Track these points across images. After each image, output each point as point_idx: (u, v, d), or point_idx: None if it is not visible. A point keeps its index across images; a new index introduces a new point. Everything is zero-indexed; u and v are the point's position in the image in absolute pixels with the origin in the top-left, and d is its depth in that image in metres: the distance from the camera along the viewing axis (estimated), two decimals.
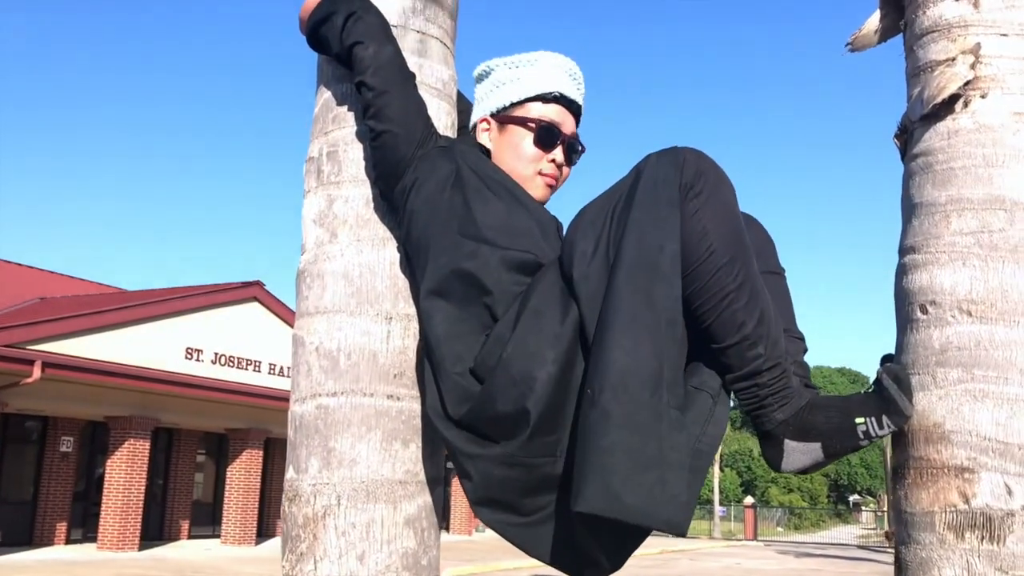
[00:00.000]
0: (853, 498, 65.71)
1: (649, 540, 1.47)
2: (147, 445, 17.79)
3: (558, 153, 1.87)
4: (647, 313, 1.45)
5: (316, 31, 1.92)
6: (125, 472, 17.29)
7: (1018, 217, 1.61)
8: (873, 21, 1.90)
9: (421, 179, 1.77)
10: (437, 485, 1.89)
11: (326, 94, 2.02)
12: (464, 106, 2.13)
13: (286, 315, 20.38)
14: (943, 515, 1.58)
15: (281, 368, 20.07)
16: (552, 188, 1.90)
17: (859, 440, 1.57)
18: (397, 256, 1.88)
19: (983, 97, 1.66)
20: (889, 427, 1.59)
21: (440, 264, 1.71)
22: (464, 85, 2.16)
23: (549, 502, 1.60)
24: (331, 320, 1.87)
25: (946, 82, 1.65)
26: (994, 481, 1.54)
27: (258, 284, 19.81)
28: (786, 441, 1.59)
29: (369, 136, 1.83)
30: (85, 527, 18.72)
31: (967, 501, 1.56)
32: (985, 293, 1.60)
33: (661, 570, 19.17)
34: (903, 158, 1.80)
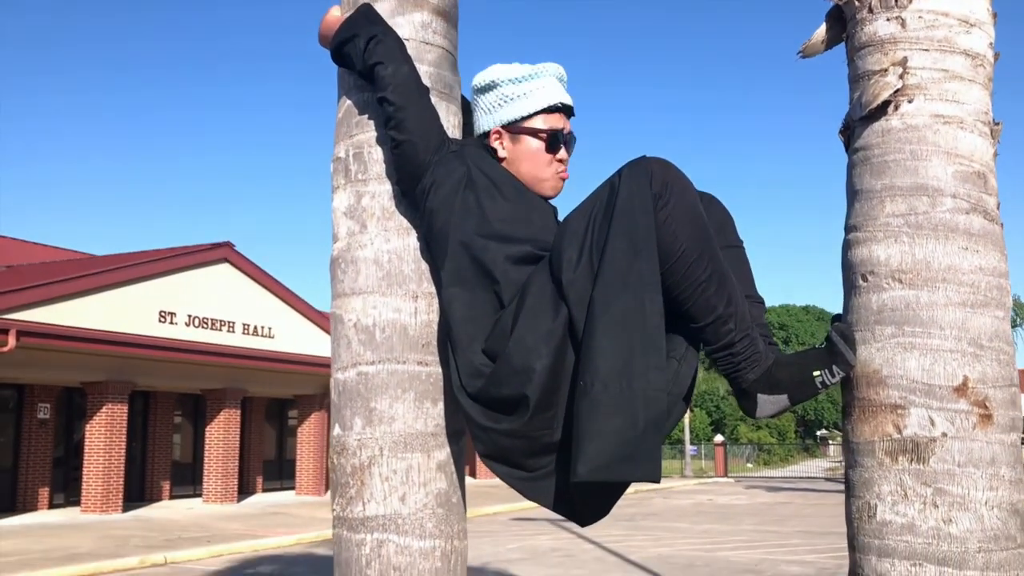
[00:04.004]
0: (820, 432, 66.65)
1: None
2: (125, 409, 17.87)
3: (563, 152, 2.18)
4: (634, 315, 1.74)
5: (340, 49, 2.19)
6: (104, 436, 17.38)
7: (938, 201, 1.91)
8: (820, 32, 2.19)
9: (438, 181, 2.05)
10: (461, 436, 2.20)
11: (348, 102, 2.28)
12: (465, 105, 2.41)
13: (257, 275, 20.36)
14: (881, 443, 1.91)
15: (255, 328, 20.11)
16: (564, 180, 2.21)
17: (817, 388, 1.93)
18: (418, 244, 2.17)
19: (910, 102, 1.95)
20: (839, 375, 1.94)
21: (457, 257, 2.00)
22: (464, 88, 2.44)
23: (549, 462, 1.93)
24: (366, 300, 2.16)
25: (880, 89, 1.95)
26: (920, 415, 1.87)
27: (228, 245, 19.69)
28: (758, 395, 1.93)
29: (391, 144, 2.10)
30: (67, 491, 18.80)
31: (899, 431, 1.88)
32: (912, 264, 1.91)
33: (637, 508, 19.82)
34: (847, 150, 2.11)
